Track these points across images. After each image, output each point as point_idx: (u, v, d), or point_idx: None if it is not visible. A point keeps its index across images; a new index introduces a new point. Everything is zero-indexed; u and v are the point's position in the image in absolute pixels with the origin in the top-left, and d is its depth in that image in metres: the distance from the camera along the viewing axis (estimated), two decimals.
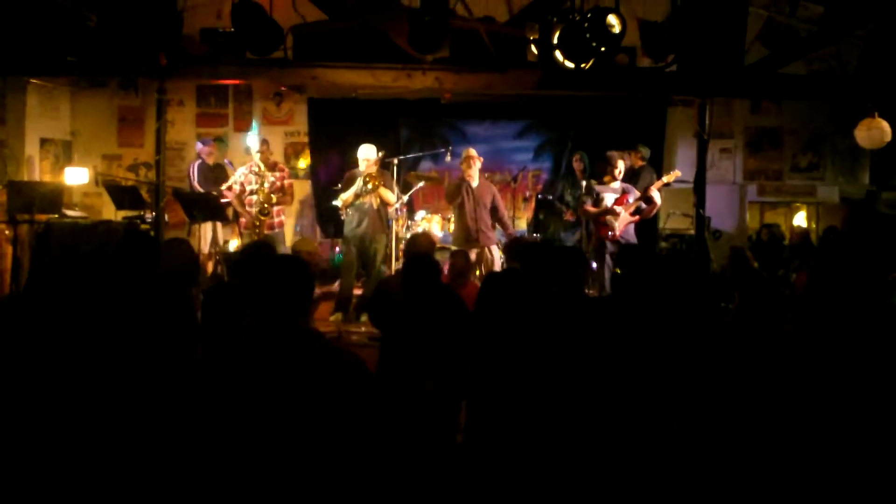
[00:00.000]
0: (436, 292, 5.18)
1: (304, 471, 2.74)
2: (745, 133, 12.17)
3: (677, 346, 3.99)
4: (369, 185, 8.94)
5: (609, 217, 8.93)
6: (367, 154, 9.10)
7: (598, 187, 9.17)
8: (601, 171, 9.46)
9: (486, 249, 9.09)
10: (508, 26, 8.79)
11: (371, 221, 9.12)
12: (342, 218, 9.37)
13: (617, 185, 9.08)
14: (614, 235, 8.90)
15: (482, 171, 9.52)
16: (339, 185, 9.34)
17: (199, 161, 10.42)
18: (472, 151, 9.39)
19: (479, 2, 9.73)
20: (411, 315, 5.02)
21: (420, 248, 6.58)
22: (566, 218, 10.74)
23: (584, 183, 10.25)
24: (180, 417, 3.08)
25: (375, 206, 9.13)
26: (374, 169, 9.04)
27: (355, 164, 9.21)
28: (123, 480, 3.18)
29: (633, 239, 9.04)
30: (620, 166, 9.10)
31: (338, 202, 9.23)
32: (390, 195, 9.21)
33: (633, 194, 9.01)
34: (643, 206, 9.00)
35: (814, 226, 12.25)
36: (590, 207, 9.08)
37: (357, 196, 9.04)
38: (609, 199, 8.98)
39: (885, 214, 11.64)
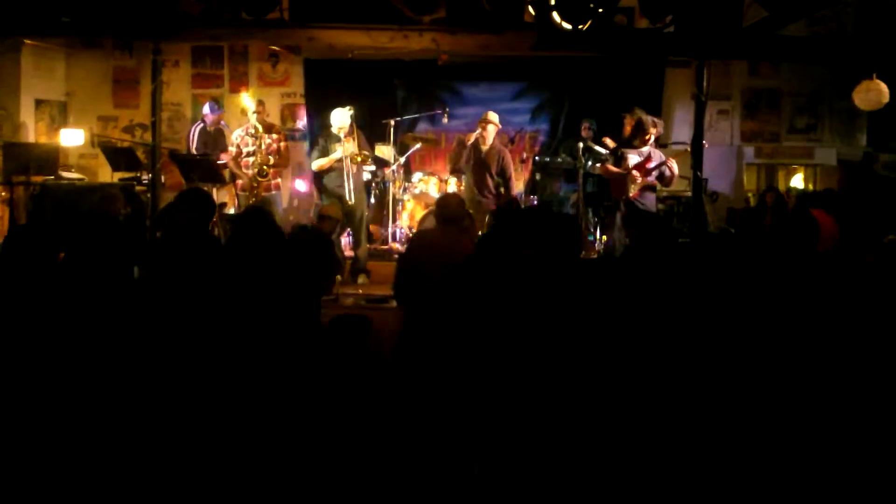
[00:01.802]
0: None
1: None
2: (742, 95, 12.12)
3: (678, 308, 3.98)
4: (359, 159, 8.91)
5: (626, 178, 8.69)
6: (341, 122, 8.97)
7: (623, 148, 8.95)
8: (633, 134, 9.10)
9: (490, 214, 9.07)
10: None
11: (353, 184, 9.06)
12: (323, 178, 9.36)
13: (645, 148, 8.76)
14: (628, 197, 8.69)
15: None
16: (316, 151, 9.25)
17: (201, 125, 10.35)
18: (491, 116, 9.31)
19: None
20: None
21: (453, 206, 6.41)
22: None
23: (581, 145, 10.20)
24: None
25: (355, 170, 9.09)
26: (356, 146, 8.96)
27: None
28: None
29: (651, 205, 8.79)
30: (652, 131, 8.85)
31: (313, 166, 9.20)
32: (370, 166, 9.23)
33: (657, 159, 8.76)
34: (667, 173, 8.76)
35: (811, 187, 12.25)
36: (611, 166, 8.87)
37: (334, 162, 8.99)
38: (632, 160, 8.74)
39: (883, 176, 11.64)
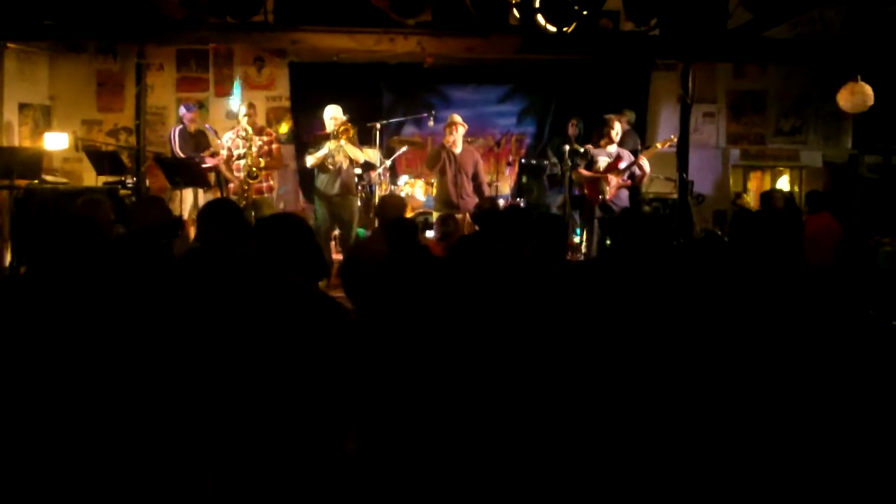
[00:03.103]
0: (419, 256, 5.13)
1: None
2: (728, 97, 12.14)
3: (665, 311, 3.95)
4: (342, 140, 8.84)
5: (600, 181, 8.78)
6: (335, 113, 9.02)
7: (592, 150, 9.00)
8: (598, 134, 9.15)
9: (468, 215, 9.07)
10: None
11: (342, 183, 9.02)
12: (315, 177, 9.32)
13: (613, 148, 8.88)
14: (604, 199, 8.76)
15: (466, 135, 9.45)
16: (311, 147, 9.24)
17: (181, 126, 10.27)
18: (457, 118, 9.34)
19: None
20: (395, 282, 4.86)
21: (393, 208, 6.43)
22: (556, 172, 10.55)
23: (567, 147, 10.20)
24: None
25: (346, 167, 9.05)
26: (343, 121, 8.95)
27: None
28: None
29: (625, 204, 8.84)
30: (617, 128, 8.89)
31: (308, 163, 9.17)
32: (357, 152, 9.14)
33: (627, 159, 8.84)
34: (637, 171, 8.83)
35: (796, 189, 12.28)
36: (583, 171, 8.93)
37: (326, 157, 8.94)
38: (603, 162, 8.81)
39: (868, 178, 11.67)
